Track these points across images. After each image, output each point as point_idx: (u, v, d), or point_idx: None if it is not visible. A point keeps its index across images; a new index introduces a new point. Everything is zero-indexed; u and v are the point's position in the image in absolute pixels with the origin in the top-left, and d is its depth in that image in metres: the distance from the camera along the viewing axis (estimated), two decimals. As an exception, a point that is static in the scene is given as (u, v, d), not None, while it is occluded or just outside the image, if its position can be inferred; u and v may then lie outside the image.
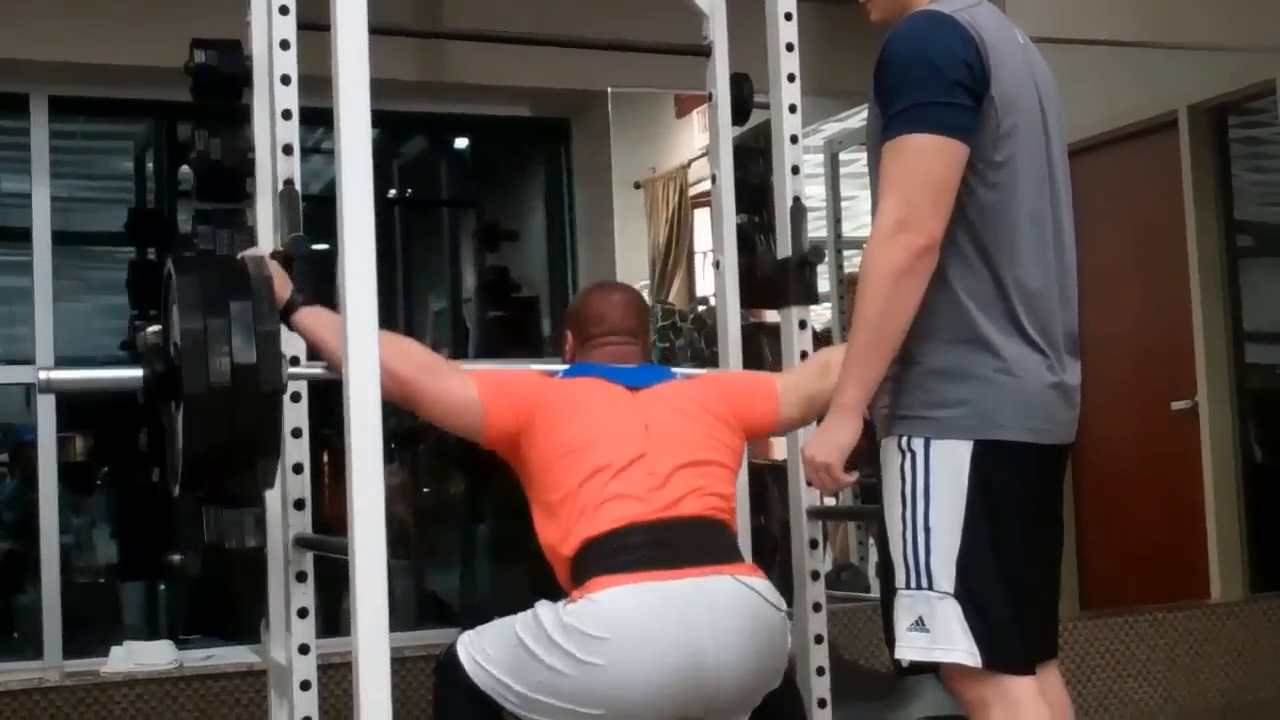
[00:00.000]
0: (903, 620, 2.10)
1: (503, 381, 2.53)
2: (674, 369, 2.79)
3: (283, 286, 2.43)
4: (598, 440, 2.44)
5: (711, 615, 2.30)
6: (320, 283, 2.46)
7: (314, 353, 2.53)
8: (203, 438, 2.21)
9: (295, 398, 2.68)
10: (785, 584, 2.84)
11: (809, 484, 2.36)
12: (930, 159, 2.02)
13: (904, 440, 2.10)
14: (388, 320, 5.14)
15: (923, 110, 2.02)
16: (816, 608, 2.94)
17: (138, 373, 2.30)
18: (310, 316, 2.44)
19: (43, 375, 2.31)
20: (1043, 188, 2.16)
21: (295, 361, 2.59)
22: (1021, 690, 2.06)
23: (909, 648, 2.09)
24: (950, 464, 2.06)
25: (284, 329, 2.33)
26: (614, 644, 2.25)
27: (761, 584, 2.39)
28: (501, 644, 2.38)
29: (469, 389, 2.46)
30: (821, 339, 3.60)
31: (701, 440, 2.51)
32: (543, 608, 2.34)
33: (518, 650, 2.34)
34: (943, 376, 2.09)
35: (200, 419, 2.19)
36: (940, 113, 2.02)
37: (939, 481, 2.07)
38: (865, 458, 2.20)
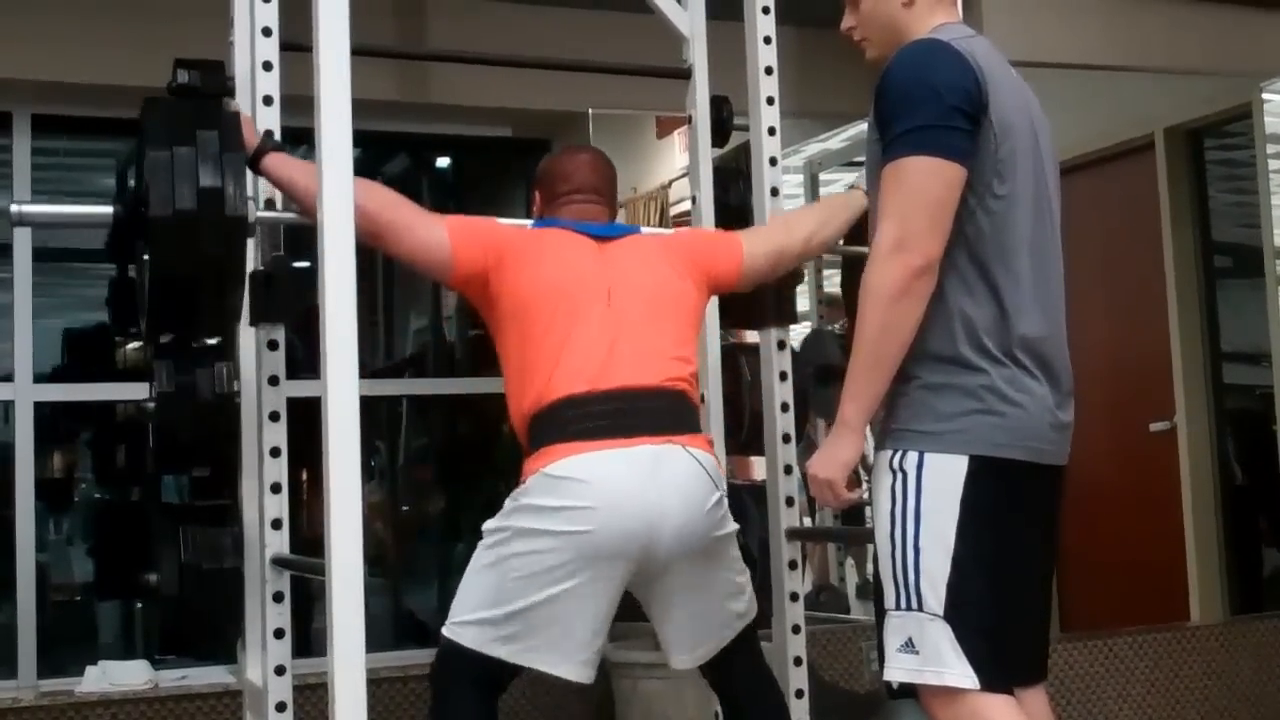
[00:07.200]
0: (892, 641, 2.09)
1: (470, 223, 2.56)
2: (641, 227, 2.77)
3: (251, 133, 2.44)
4: (563, 290, 2.46)
5: (658, 483, 2.34)
6: (302, 300, 2.46)
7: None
8: (169, 264, 2.19)
9: (274, 417, 2.67)
10: (764, 605, 2.84)
11: (812, 499, 2.37)
12: (927, 181, 2.04)
13: (896, 458, 2.10)
14: (366, 338, 5.14)
15: (921, 133, 2.04)
16: (796, 629, 2.94)
17: (108, 209, 2.31)
18: (279, 161, 2.45)
19: (15, 208, 2.33)
20: (1041, 217, 2.18)
21: (270, 205, 2.59)
22: (1003, 712, 2.05)
23: (898, 669, 2.09)
24: (944, 481, 2.06)
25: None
26: (576, 512, 2.30)
27: (708, 460, 2.43)
28: (470, 587, 2.44)
29: (437, 227, 2.48)
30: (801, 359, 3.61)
31: (666, 295, 2.53)
32: (488, 523, 2.41)
33: (487, 569, 2.40)
34: (940, 392, 2.10)
35: (167, 245, 2.18)
36: (938, 136, 2.04)
37: (930, 502, 2.06)
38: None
